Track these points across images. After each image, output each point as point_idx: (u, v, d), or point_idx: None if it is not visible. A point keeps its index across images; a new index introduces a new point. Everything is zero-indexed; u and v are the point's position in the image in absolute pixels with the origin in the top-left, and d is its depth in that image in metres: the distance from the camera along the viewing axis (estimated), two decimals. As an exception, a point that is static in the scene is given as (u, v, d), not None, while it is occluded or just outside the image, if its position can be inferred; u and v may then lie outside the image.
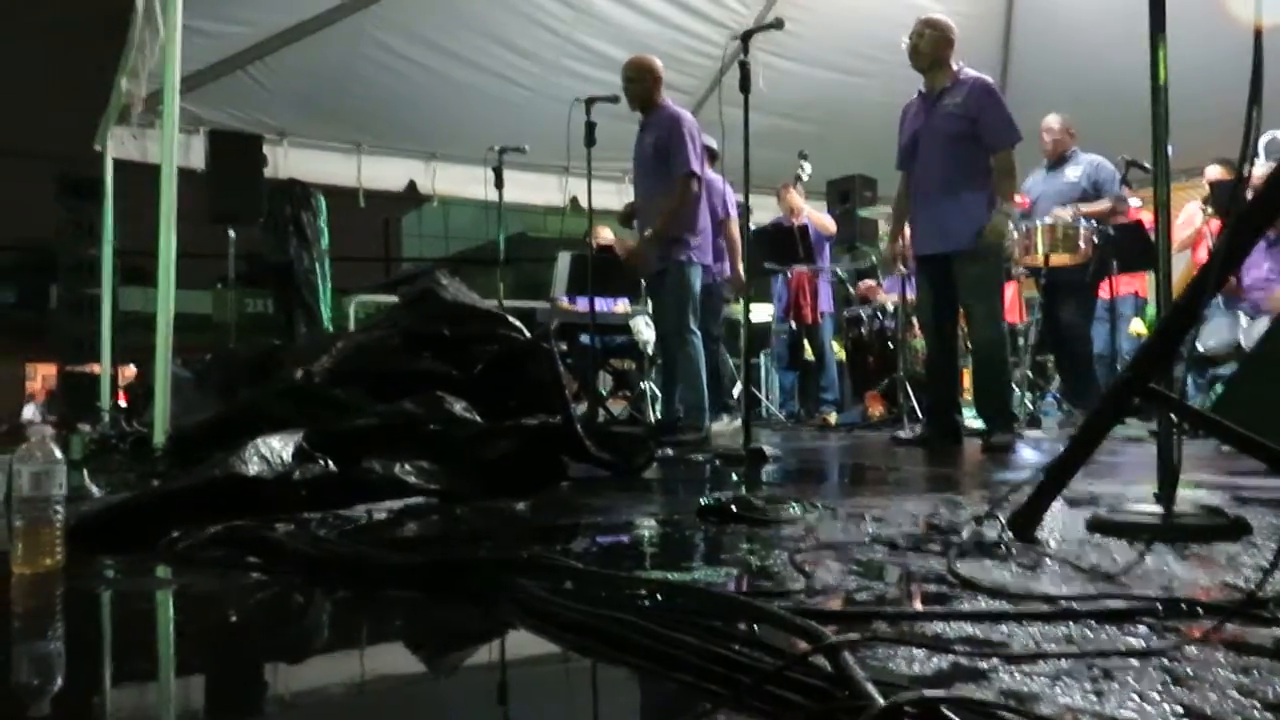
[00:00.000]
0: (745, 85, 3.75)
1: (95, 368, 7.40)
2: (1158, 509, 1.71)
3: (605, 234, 7.13)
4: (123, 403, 7.62)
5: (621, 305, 6.39)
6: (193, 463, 3.19)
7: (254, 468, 2.20)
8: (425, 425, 2.55)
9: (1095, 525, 1.75)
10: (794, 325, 6.39)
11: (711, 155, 5.76)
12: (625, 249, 4.89)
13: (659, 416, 4.94)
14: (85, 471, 3.35)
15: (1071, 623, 1.11)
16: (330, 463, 2.37)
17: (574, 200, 8.27)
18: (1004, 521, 1.69)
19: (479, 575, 1.35)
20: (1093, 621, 1.11)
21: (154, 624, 1.40)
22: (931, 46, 4.15)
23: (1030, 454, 3.91)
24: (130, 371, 10.87)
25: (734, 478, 3.02)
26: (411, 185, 7.84)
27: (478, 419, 2.61)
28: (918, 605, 1.24)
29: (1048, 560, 1.49)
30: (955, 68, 4.19)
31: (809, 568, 1.46)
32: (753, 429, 3.67)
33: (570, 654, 1.11)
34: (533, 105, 7.26)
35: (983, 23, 7.15)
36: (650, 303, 6.38)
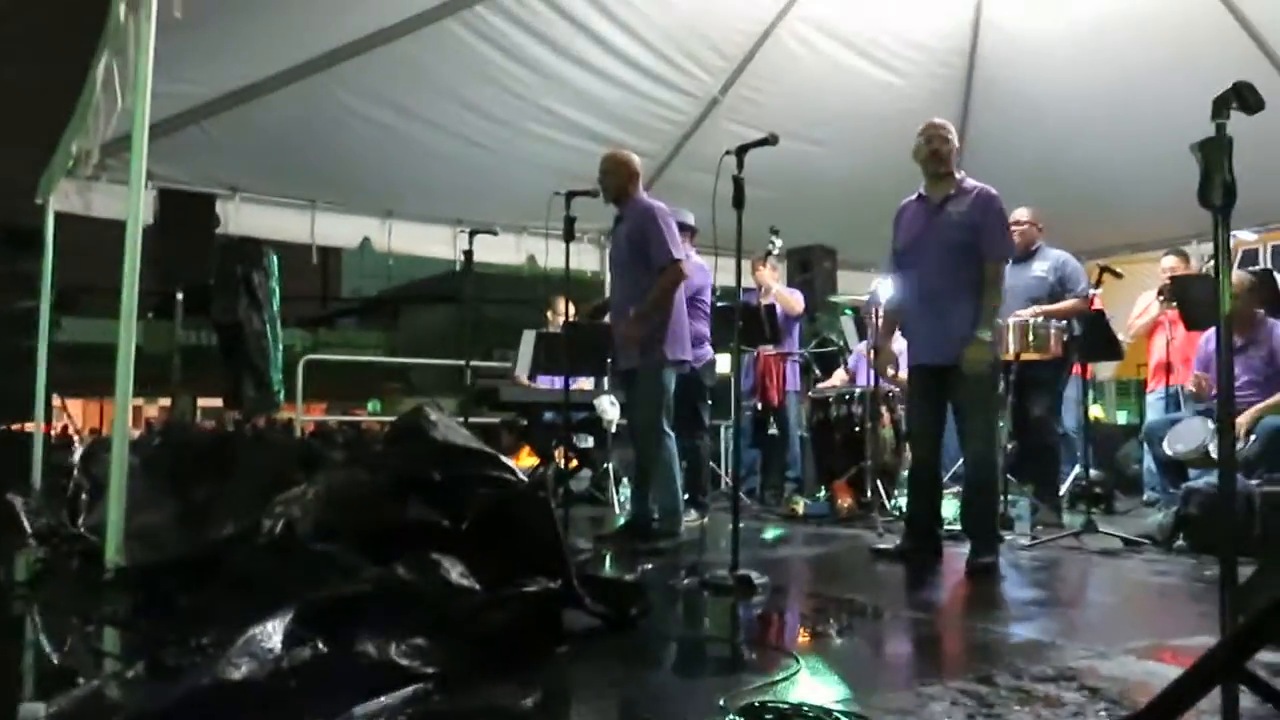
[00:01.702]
0: (739, 200, 3.65)
1: (27, 425, 7.02)
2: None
3: (560, 305, 6.97)
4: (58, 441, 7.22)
5: (583, 382, 6.26)
6: (153, 603, 3.00)
7: (244, 669, 2.01)
8: (419, 594, 2.39)
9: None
10: (759, 405, 6.32)
11: (690, 229, 5.70)
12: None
13: (630, 513, 4.81)
14: (34, 606, 3.13)
15: None
16: (321, 643, 2.21)
17: (531, 258, 8.17)
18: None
19: None
20: None
21: None
22: (951, 153, 4.13)
23: (1013, 576, 3.87)
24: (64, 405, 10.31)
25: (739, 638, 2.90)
26: (366, 242, 7.65)
27: (475, 585, 2.46)
28: None
29: None
30: (958, 175, 4.17)
31: None
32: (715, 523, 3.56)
33: None
34: (495, 166, 7.14)
35: (939, 105, 7.18)
36: (610, 378, 6.28)
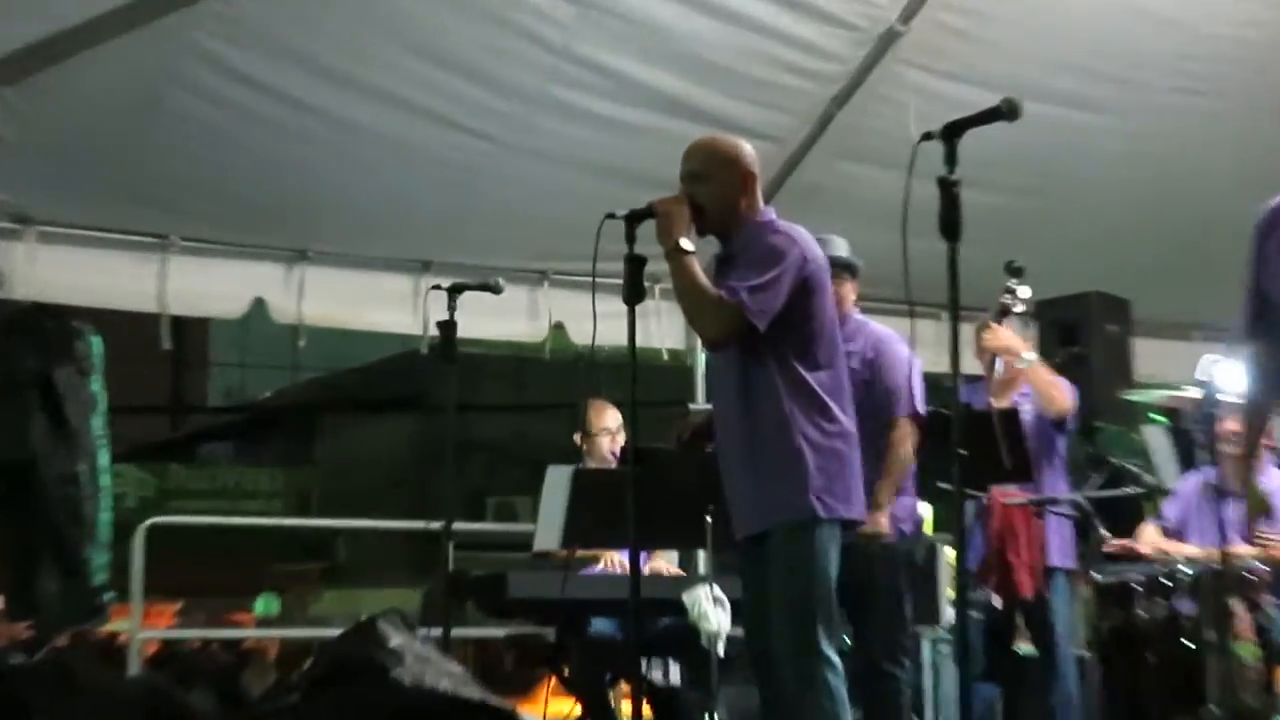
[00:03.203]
0: (951, 224, 3.53)
1: None
2: None
3: (610, 417, 6.90)
4: None
5: (664, 561, 6.21)
6: None
7: None
8: None
9: None
10: (998, 598, 6.21)
11: (849, 269, 5.80)
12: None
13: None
14: None
15: None
16: None
17: (559, 327, 8.19)
18: None
19: None
20: None
21: None
22: None
23: None
24: None
25: None
26: (259, 306, 7.73)
27: None
28: None
29: None
30: None
31: None
32: None
33: None
34: (495, 166, 7.34)
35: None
36: (710, 552, 6.18)
